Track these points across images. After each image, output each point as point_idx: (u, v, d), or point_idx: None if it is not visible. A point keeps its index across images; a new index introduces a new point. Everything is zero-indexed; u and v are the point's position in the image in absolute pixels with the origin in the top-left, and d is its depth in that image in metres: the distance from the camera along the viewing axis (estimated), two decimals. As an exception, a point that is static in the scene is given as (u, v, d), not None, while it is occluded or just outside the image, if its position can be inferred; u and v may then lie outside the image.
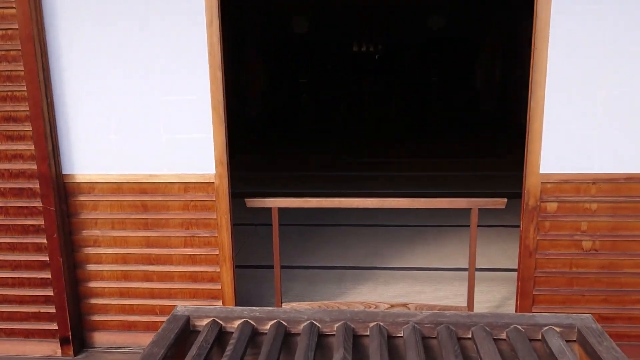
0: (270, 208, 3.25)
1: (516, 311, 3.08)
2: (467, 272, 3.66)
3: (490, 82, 10.42)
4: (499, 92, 10.44)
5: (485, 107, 10.53)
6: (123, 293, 3.22)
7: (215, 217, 3.06)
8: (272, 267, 3.32)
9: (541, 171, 2.88)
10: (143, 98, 2.96)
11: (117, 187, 3.08)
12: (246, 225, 4.97)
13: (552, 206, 2.93)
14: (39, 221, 3.10)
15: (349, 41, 11.25)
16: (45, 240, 3.11)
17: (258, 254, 4.54)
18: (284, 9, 10.20)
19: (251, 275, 4.07)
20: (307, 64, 11.30)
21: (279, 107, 11.19)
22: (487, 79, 10.43)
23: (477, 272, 3.32)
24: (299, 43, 11.02)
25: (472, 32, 10.30)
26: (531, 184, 2.90)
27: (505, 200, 3.12)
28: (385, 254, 4.52)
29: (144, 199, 3.09)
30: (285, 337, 1.61)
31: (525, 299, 3.02)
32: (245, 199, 3.24)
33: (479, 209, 3.13)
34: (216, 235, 3.10)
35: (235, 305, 3.19)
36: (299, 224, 5.09)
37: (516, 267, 3.04)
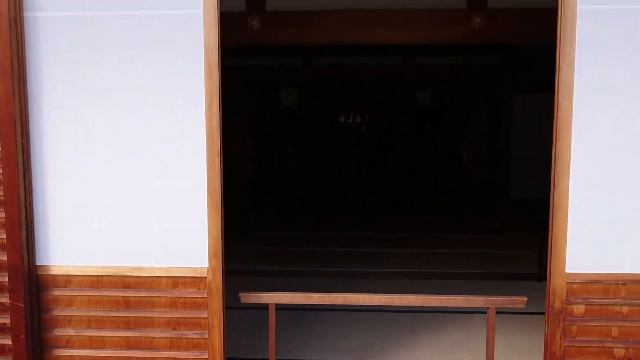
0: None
1: None
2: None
3: (478, 156, 10.44)
4: (487, 167, 10.39)
5: (473, 181, 10.47)
6: (96, 402, 2.82)
7: (206, 316, 2.75)
8: (265, 365, 2.95)
9: (567, 270, 2.64)
10: (132, 182, 2.71)
11: (97, 281, 2.77)
12: (233, 309, 4.60)
13: (579, 309, 2.67)
14: (5, 319, 2.74)
15: (337, 113, 11.29)
16: (10, 342, 2.74)
17: (247, 345, 4.15)
18: (272, 80, 10.22)
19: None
20: (295, 134, 11.29)
21: (266, 178, 11.06)
22: (475, 153, 10.49)
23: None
24: (288, 114, 11.08)
25: (459, 106, 10.39)
26: (557, 284, 2.65)
27: (525, 299, 2.85)
28: (386, 346, 4.16)
29: (127, 294, 2.77)
30: None
31: (553, 413, 2.70)
32: (240, 294, 2.93)
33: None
34: (206, 336, 2.77)
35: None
36: (293, 308, 4.75)
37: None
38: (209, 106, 2.63)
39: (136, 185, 2.71)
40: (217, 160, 2.66)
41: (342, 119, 11.21)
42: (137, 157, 2.70)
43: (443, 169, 11.01)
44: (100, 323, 2.79)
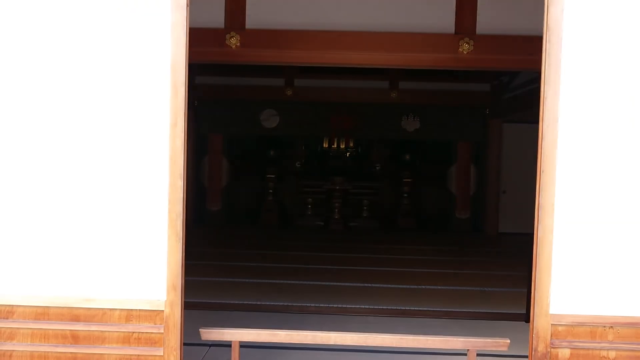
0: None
1: None
2: None
3: (465, 188, 10.75)
4: (474, 199, 10.67)
5: (460, 213, 10.78)
6: None
7: (161, 354, 2.68)
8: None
9: (551, 311, 2.66)
10: (85, 206, 2.68)
11: (43, 312, 2.70)
12: (196, 346, 4.37)
13: (564, 353, 2.67)
14: (-63, 353, 2.68)
15: (320, 137, 11.62)
16: (-59, 378, 2.68)
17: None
18: (253, 100, 10.43)
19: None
20: (275, 158, 11.49)
21: (242, 203, 11.18)
22: (462, 184, 10.78)
23: None
24: (267, 137, 11.27)
25: (445, 136, 10.73)
26: (540, 326, 2.65)
27: (508, 341, 2.87)
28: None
29: (75, 327, 2.70)
30: None
31: None
32: (201, 330, 2.91)
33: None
34: (161, 377, 2.64)
35: None
36: (259, 346, 4.52)
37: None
38: (173, 126, 2.63)
39: (90, 209, 2.68)
40: (180, 183, 2.63)
41: (325, 144, 11.35)
42: (92, 179, 2.68)
43: (430, 198, 11.25)
44: (44, 359, 2.71)
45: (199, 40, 4.25)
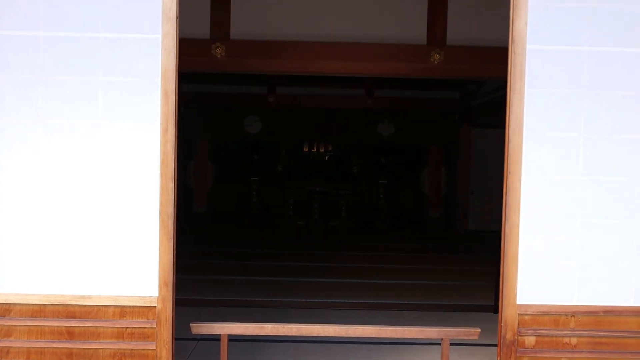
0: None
1: None
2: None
3: (437, 189, 10.87)
4: (445, 199, 10.78)
5: (432, 212, 10.87)
6: None
7: (154, 348, 2.68)
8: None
9: (518, 302, 2.72)
10: (80, 207, 2.66)
11: (39, 310, 2.67)
12: (186, 340, 4.42)
13: (530, 340, 2.74)
14: (-64, 351, 2.63)
15: (301, 142, 11.68)
16: (-60, 375, 2.65)
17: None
18: (237, 107, 10.44)
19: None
20: (258, 162, 11.51)
21: (227, 205, 11.18)
22: (434, 186, 10.89)
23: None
24: (251, 142, 11.30)
25: (418, 140, 10.86)
26: (508, 316, 2.72)
27: (479, 330, 2.95)
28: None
29: (71, 324, 2.68)
30: None
31: None
32: (191, 324, 2.91)
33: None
34: (154, 369, 2.63)
35: None
36: (246, 339, 4.56)
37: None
38: (164, 131, 2.63)
39: (85, 210, 2.66)
40: (171, 186, 2.64)
41: (305, 148, 11.37)
42: (87, 181, 2.66)
43: (403, 199, 11.29)
44: (41, 355, 2.68)
45: (186, 49, 4.20)
